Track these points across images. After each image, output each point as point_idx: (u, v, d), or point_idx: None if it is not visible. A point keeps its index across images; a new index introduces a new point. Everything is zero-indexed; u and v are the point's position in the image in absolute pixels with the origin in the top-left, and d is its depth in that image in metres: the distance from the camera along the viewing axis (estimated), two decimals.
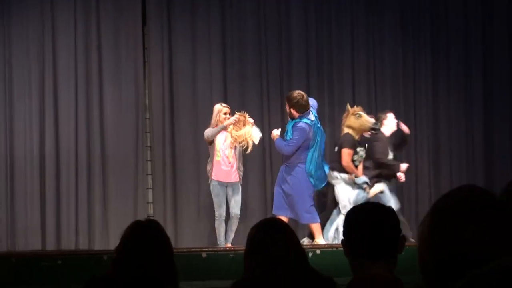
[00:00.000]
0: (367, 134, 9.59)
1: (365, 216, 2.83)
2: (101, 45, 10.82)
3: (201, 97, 10.90)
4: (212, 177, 9.49)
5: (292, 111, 9.13)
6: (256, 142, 9.50)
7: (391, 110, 10.00)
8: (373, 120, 9.52)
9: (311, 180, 9.21)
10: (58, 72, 10.74)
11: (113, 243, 3.56)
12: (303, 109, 9.11)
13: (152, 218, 10.04)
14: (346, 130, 9.48)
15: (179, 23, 10.98)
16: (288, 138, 9.16)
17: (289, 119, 9.33)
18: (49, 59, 10.71)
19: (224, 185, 9.51)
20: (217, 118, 9.54)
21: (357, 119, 9.45)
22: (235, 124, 9.47)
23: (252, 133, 9.46)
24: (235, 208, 9.56)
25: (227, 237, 9.62)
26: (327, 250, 8.39)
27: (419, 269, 1.84)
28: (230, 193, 9.55)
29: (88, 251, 9.51)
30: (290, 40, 11.11)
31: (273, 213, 9.28)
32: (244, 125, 9.50)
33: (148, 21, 10.94)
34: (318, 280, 3.32)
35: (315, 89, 11.00)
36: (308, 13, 11.14)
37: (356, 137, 9.51)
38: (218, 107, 9.67)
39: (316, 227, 9.24)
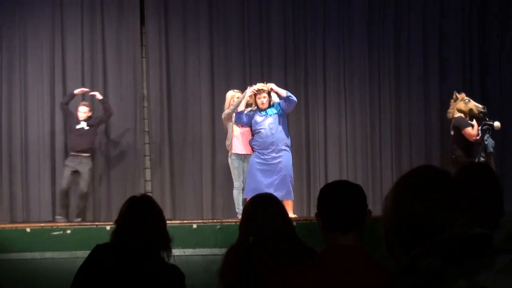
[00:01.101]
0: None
1: (337, 192, 2.81)
2: (105, 42, 10.80)
3: (191, 88, 10.91)
4: (232, 151, 9.30)
5: (270, 100, 9.42)
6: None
7: None
8: (481, 105, 9.53)
9: None
10: (66, 65, 10.72)
11: (115, 216, 3.57)
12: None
13: (150, 193, 10.02)
14: (457, 114, 9.46)
15: (173, 24, 10.97)
16: (280, 113, 9.29)
17: (265, 107, 9.31)
18: (59, 54, 10.70)
19: (242, 158, 9.32)
20: (231, 102, 9.43)
21: (466, 104, 9.48)
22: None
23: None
24: None
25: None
26: (302, 222, 8.41)
27: (383, 239, 1.83)
28: (246, 167, 9.31)
29: (93, 222, 9.48)
30: (270, 38, 11.09)
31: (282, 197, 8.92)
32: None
33: (146, 22, 10.92)
34: (301, 249, 3.34)
35: (292, 78, 11.00)
36: (286, 15, 11.11)
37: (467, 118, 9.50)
38: (230, 93, 9.53)
39: (291, 203, 9.29)
